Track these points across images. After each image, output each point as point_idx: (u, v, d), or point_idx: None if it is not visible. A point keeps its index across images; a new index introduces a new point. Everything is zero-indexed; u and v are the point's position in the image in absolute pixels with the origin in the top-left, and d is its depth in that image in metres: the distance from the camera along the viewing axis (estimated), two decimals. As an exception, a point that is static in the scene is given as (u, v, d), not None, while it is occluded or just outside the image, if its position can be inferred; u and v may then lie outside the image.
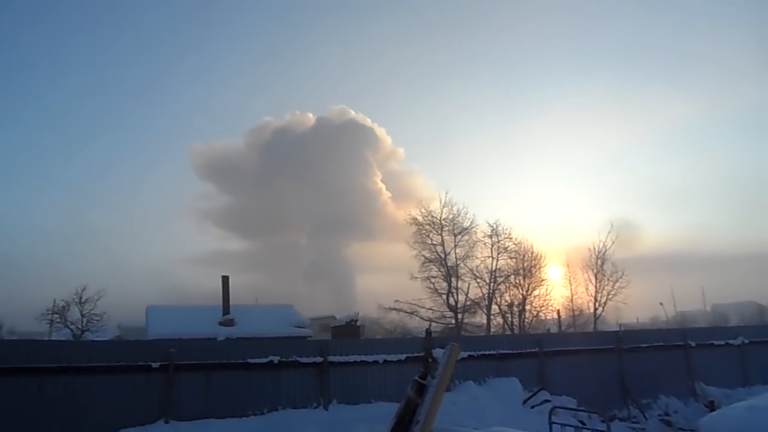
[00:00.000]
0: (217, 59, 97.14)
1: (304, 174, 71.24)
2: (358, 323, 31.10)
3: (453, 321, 32.39)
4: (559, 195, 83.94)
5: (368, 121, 72.95)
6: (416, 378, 3.73)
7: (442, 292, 32.66)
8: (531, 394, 13.29)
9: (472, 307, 33.02)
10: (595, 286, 33.73)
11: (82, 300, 36.49)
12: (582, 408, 12.25)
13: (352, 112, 75.00)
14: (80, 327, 36.41)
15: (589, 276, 34.10)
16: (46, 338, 30.67)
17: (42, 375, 9.55)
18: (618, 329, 17.32)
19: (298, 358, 11.69)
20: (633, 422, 14.11)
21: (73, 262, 67.91)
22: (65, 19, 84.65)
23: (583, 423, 12.08)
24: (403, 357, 12.75)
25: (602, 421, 13.00)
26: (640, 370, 15.28)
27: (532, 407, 13.00)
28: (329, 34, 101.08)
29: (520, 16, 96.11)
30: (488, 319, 32.90)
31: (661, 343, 16.16)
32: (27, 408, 9.30)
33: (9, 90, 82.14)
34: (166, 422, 10.23)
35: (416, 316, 33.26)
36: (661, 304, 48.18)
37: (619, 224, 46.53)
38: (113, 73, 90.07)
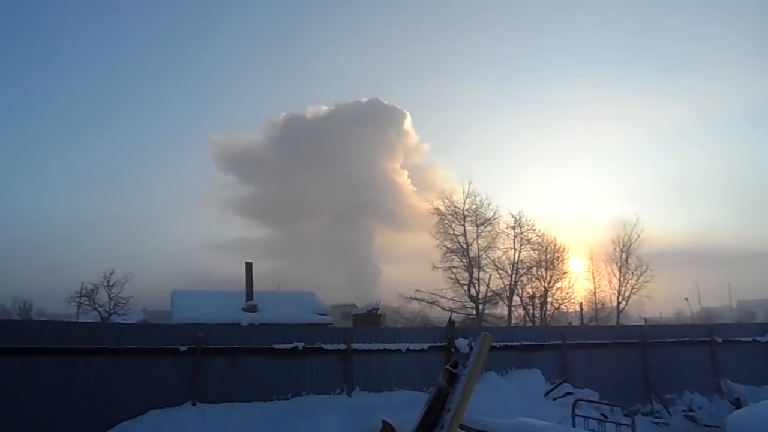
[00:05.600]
0: (237, 51, 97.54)
1: (327, 164, 71.59)
2: (379, 312, 31.26)
3: (474, 312, 32.40)
4: (584, 188, 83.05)
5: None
6: (447, 367, 3.77)
7: (464, 282, 32.67)
8: (553, 386, 13.28)
9: (493, 298, 32.99)
10: (619, 280, 33.50)
11: (110, 283, 37.27)
12: (605, 401, 12.20)
13: (376, 100, 74.97)
14: (108, 310, 37.19)
15: (612, 269, 33.89)
16: (74, 320, 31.38)
17: (76, 355, 9.80)
18: (643, 323, 17.14)
19: (323, 345, 11.83)
20: (656, 417, 14.01)
21: (101, 246, 69.23)
22: (95, 13, 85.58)
23: (605, 416, 12.03)
24: (425, 346, 12.81)
25: (625, 415, 12.97)
26: (664, 365, 15.15)
27: (554, 399, 12.99)
28: (352, 28, 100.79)
29: (548, 4, 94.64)
30: (509, 311, 32.85)
31: (686, 339, 15.95)
32: (61, 387, 9.57)
33: (39, 76, 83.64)
34: (194, 404, 10.45)
35: (437, 306, 33.38)
36: (686, 299, 47.64)
37: (644, 218, 46.11)
38: (141, 64, 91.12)
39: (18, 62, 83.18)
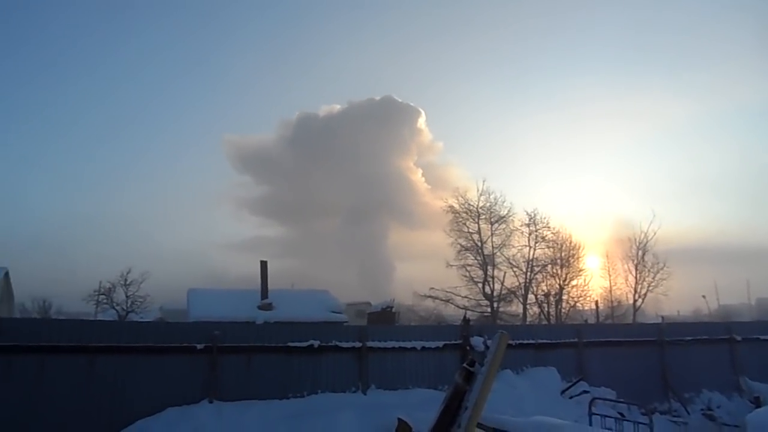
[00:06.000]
0: (250, 51, 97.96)
1: (340, 162, 71.71)
2: (394, 310, 31.24)
3: (489, 309, 32.28)
4: (599, 185, 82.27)
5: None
6: (464, 365, 3.76)
7: (478, 280, 32.58)
8: (569, 384, 13.19)
9: (508, 296, 32.86)
10: (635, 277, 33.20)
11: (127, 282, 37.69)
12: (621, 400, 12.11)
13: (390, 97, 74.92)
14: (125, 308, 37.61)
15: (629, 267, 33.59)
16: (92, 318, 31.78)
17: (94, 353, 9.92)
18: (660, 321, 16.98)
19: (338, 343, 11.84)
20: (674, 416, 13.86)
21: (119, 245, 69.99)
22: (113, 15, 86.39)
23: (622, 415, 11.95)
24: (440, 344, 12.78)
25: (642, 414, 12.84)
26: (682, 364, 14.99)
27: (571, 398, 12.90)
28: (366, 27, 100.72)
29: (560, 2, 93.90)
30: (524, 309, 32.70)
31: (704, 337, 15.77)
32: (80, 385, 9.69)
33: (57, 77, 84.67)
34: (210, 402, 10.53)
35: (451, 304, 33.32)
36: (703, 296, 47.09)
37: (660, 215, 45.60)
38: (156, 65, 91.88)
39: (34, 63, 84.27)
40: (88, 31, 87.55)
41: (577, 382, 13.25)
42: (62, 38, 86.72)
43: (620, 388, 13.25)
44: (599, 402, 11.10)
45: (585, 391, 12.88)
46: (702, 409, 14.44)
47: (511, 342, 13.38)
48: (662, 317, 17.50)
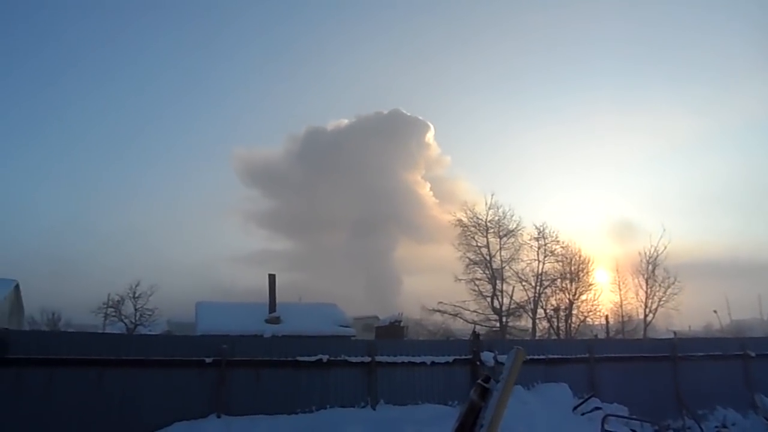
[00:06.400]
0: (258, 66, 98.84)
1: (348, 175, 71.86)
2: (402, 324, 31.13)
3: (497, 324, 32.06)
4: (609, 199, 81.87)
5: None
6: (479, 381, 3.70)
7: (487, 294, 32.43)
8: (581, 400, 13.00)
9: (517, 310, 32.65)
10: (646, 292, 32.84)
11: (136, 295, 37.78)
12: (634, 417, 11.93)
13: (398, 111, 75.18)
14: (133, 321, 37.66)
15: (639, 281, 33.25)
16: (101, 331, 31.83)
17: (102, 367, 9.89)
18: (672, 337, 16.78)
19: (347, 357, 11.75)
20: (687, 433, 13.66)
21: (128, 259, 70.27)
22: (120, 28, 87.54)
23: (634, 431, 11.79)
24: (450, 359, 12.65)
25: (656, 431, 12.69)
26: (695, 380, 14.76)
27: (582, 414, 12.72)
28: (373, 41, 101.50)
29: (567, 15, 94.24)
30: (534, 323, 32.46)
31: (718, 353, 15.56)
32: (88, 398, 9.64)
33: (66, 91, 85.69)
34: (218, 417, 10.45)
35: (460, 318, 33.10)
36: (715, 311, 46.55)
37: (670, 230, 45.26)
38: (165, 78, 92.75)
39: (46, 75, 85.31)
40: (99, 44, 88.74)
41: (589, 398, 13.06)
42: (74, 51, 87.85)
43: (632, 404, 13.05)
44: (612, 419, 10.92)
45: (597, 408, 12.69)
46: (716, 427, 14.21)
47: (521, 357, 13.39)
48: (674, 332, 17.26)
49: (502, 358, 13.05)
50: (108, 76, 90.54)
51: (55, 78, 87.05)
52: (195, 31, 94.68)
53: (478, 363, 12.67)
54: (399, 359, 12.20)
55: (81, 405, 9.55)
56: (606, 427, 10.18)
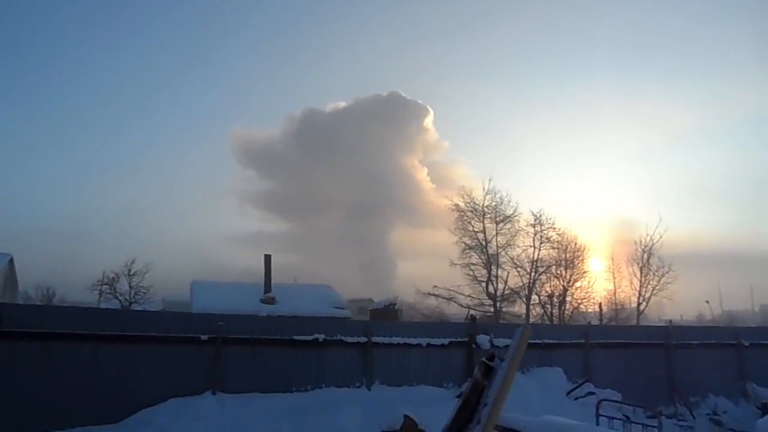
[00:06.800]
0: (257, 46, 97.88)
1: (345, 158, 71.59)
2: (396, 307, 31.18)
3: (491, 309, 32.13)
4: (606, 187, 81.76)
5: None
6: (483, 360, 3.65)
7: (482, 279, 32.41)
8: (575, 385, 13.06)
9: (511, 296, 32.70)
10: (640, 281, 32.92)
11: (131, 272, 37.67)
12: (628, 402, 11.98)
13: (397, 93, 74.76)
14: (128, 298, 37.60)
15: (634, 270, 33.33)
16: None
17: (97, 341, 9.84)
18: (667, 324, 16.83)
19: (343, 338, 11.74)
20: (680, 420, 13.73)
21: (123, 236, 70.06)
22: (122, 10, 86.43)
23: (628, 417, 11.82)
24: (446, 341, 12.67)
25: (648, 417, 12.73)
26: (688, 368, 14.85)
27: (576, 399, 12.78)
28: (373, 24, 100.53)
29: (569, 4, 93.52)
30: (528, 309, 32.54)
31: (712, 341, 15.64)
32: (83, 373, 9.62)
33: (63, 70, 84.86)
34: (213, 394, 10.44)
35: (454, 302, 33.16)
36: (707, 302, 46.78)
37: (666, 219, 45.32)
38: (164, 58, 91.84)
39: (42, 55, 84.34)
40: (98, 23, 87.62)
41: (584, 383, 13.12)
42: (71, 31, 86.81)
43: (626, 390, 13.11)
44: (605, 404, 10.96)
45: (591, 393, 12.76)
46: (708, 414, 14.25)
47: (517, 341, 13.41)
48: (670, 321, 17.32)
49: (498, 341, 13.08)
50: (107, 55, 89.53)
51: (54, 56, 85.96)
52: (194, 12, 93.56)
53: (473, 346, 12.69)
54: (395, 340, 12.20)
55: (76, 379, 9.52)
56: (600, 411, 10.21)
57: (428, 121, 72.89)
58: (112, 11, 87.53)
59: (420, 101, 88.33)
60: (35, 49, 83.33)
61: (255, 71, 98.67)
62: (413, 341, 12.36)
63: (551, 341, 13.85)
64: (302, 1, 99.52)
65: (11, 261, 32.05)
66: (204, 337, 10.68)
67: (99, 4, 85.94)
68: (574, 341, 14.17)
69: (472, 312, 31.07)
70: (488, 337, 12.75)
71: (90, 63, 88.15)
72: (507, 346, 11.77)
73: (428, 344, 12.47)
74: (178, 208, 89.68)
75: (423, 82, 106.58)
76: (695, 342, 15.42)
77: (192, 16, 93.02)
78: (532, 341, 13.38)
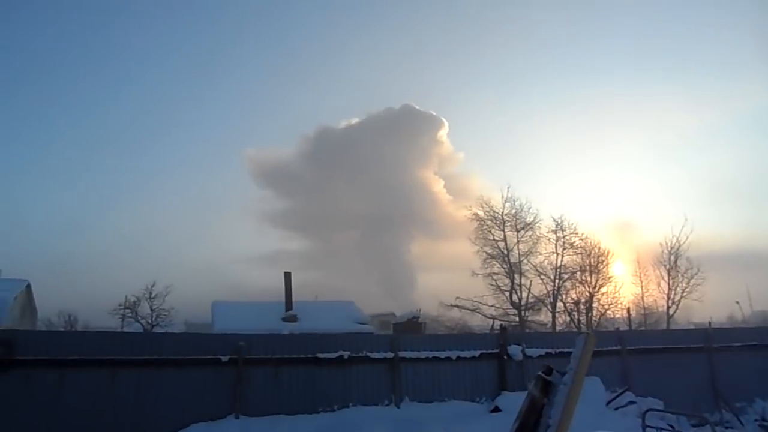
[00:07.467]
0: (270, 67, 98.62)
1: (361, 173, 71.42)
2: (420, 320, 30.61)
3: (516, 318, 31.41)
4: (628, 190, 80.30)
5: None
6: (540, 374, 3.19)
7: (505, 289, 31.72)
8: (615, 395, 12.42)
9: (536, 304, 31.96)
10: (668, 284, 32.03)
11: (152, 295, 37.52)
12: (671, 410, 11.32)
13: (409, 106, 74.62)
14: (150, 322, 37.44)
15: (661, 273, 32.44)
16: (115, 331, 31.59)
17: (115, 367, 9.49)
18: (707, 327, 16.08)
19: (368, 354, 11.26)
20: (727, 427, 13.03)
21: (144, 260, 70.22)
22: (138, 31, 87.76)
23: (672, 427, 11.18)
24: (476, 353, 12.11)
25: (693, 425, 12.07)
26: (731, 371, 14.10)
27: (616, 408, 12.14)
28: (385, 37, 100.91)
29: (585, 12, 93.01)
30: (554, 317, 31.74)
31: (754, 342, 14.88)
32: (101, 400, 9.26)
33: (85, 93, 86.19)
34: (237, 417, 10.01)
35: (478, 313, 32.46)
36: (737, 302, 45.29)
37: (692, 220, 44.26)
38: (180, 82, 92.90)
39: (62, 81, 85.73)
40: (117, 49, 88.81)
41: (624, 392, 12.47)
42: (93, 56, 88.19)
43: (666, 397, 12.45)
44: (648, 413, 10.32)
45: (631, 402, 12.14)
46: (756, 420, 13.54)
47: (550, 351, 12.84)
48: (709, 323, 16.63)
49: (530, 351, 12.53)
50: (125, 80, 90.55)
51: (74, 83, 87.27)
52: (207, 35, 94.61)
53: (505, 357, 12.14)
54: (423, 354, 11.69)
55: (93, 407, 9.17)
56: (647, 422, 9.59)
57: (443, 132, 72.48)
58: (128, 36, 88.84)
59: (434, 113, 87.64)
60: (55, 74, 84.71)
61: (267, 92, 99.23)
62: (442, 354, 11.82)
63: (586, 349, 13.20)
64: (310, 19, 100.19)
65: (29, 287, 31.97)
66: (225, 358, 10.29)
67: (115, 30, 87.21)
68: (609, 348, 13.51)
69: (496, 323, 30.42)
70: (520, 348, 12.20)
71: (109, 87, 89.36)
72: (540, 355, 11.23)
73: (458, 357, 11.92)
74: (197, 230, 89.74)
75: (435, 93, 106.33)
76: (737, 344, 14.67)
77: (205, 39, 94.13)
78: (565, 350, 12.81)
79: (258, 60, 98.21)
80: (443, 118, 73.91)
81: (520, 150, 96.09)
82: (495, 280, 31.91)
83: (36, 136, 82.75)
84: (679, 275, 31.82)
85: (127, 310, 37.43)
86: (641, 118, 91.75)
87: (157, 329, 36.01)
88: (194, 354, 10.21)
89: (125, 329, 35.71)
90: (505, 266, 31.82)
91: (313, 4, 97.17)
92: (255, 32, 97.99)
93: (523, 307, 31.40)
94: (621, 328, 28.48)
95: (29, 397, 8.86)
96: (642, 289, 33.62)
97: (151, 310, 37.73)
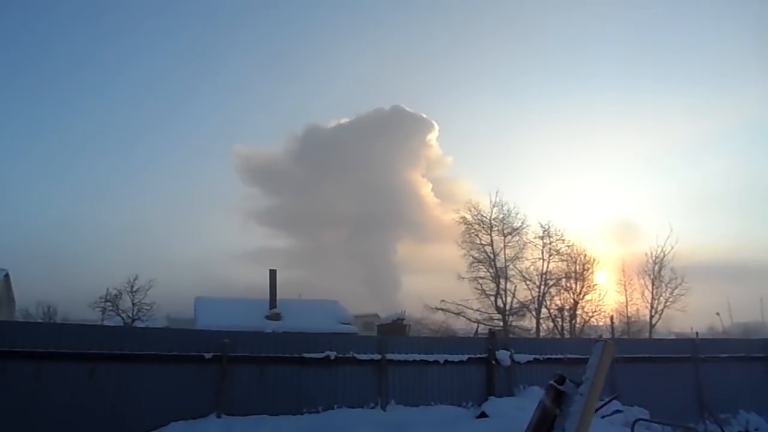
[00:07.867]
0: (260, 64, 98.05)
1: (348, 173, 71.19)
2: (404, 322, 30.46)
3: (501, 323, 31.41)
4: (614, 198, 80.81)
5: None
6: (552, 383, 3.02)
7: (490, 293, 31.77)
8: (602, 403, 12.31)
9: (520, 309, 32.02)
10: (652, 293, 32.26)
11: (134, 289, 36.88)
12: (656, 420, 11.26)
13: (399, 107, 74.53)
14: (131, 315, 36.79)
15: (645, 282, 32.68)
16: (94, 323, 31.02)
17: (94, 361, 9.18)
18: (694, 338, 16.11)
19: (356, 355, 11.04)
20: (711, 437, 13.01)
21: (127, 253, 69.35)
22: (124, 28, 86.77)
23: (659, 436, 11.14)
24: (464, 357, 11.94)
25: (680, 436, 12.01)
26: (717, 382, 14.08)
27: (602, 417, 12.04)
28: (375, 39, 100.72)
29: (570, 17, 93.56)
30: (538, 323, 31.85)
31: (741, 354, 14.90)
32: (79, 395, 8.94)
33: (71, 85, 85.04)
34: (218, 417, 9.75)
35: (463, 317, 32.44)
36: (717, 314, 45.68)
37: (678, 231, 44.62)
38: (167, 77, 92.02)
39: (50, 70, 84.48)
40: (105, 43, 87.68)
41: (611, 400, 12.36)
42: (79, 51, 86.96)
43: (652, 407, 12.37)
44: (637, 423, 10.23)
45: (618, 411, 12.02)
46: (740, 431, 13.54)
47: (538, 357, 12.72)
48: (696, 333, 16.69)
49: (517, 357, 12.40)
50: (110, 75, 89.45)
51: (60, 77, 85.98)
52: (196, 31, 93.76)
53: (493, 362, 12.00)
54: (411, 357, 11.49)
55: (70, 402, 8.86)
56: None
57: (432, 134, 72.42)
58: (117, 31, 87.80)
59: (424, 115, 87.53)
60: (41, 68, 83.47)
61: (256, 89, 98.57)
62: (430, 358, 11.64)
63: (574, 356, 13.09)
64: (302, 17, 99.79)
65: (7, 276, 31.36)
66: (208, 356, 10.01)
67: (104, 25, 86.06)
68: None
69: (480, 327, 30.37)
70: (508, 353, 12.07)
71: (94, 82, 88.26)
72: (528, 361, 11.08)
73: (446, 361, 11.74)
74: (181, 224, 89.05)
75: (425, 96, 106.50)
76: (723, 355, 14.68)
77: (194, 35, 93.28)
78: (553, 356, 12.73)
79: (248, 57, 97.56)
80: (433, 121, 73.83)
81: (509, 156, 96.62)
82: (480, 284, 32.00)
83: (22, 129, 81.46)
84: (663, 285, 32.13)
85: (108, 303, 36.78)
86: (631, 127, 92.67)
87: (138, 323, 35.36)
88: (177, 350, 9.91)
89: (105, 323, 35.06)
90: (491, 270, 31.85)
91: (304, 2, 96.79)
92: (246, 28, 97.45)
93: (507, 312, 31.42)
94: (604, 336, 28.69)
95: (4, 390, 8.54)
96: (626, 298, 33.89)
97: (133, 303, 37.09)
